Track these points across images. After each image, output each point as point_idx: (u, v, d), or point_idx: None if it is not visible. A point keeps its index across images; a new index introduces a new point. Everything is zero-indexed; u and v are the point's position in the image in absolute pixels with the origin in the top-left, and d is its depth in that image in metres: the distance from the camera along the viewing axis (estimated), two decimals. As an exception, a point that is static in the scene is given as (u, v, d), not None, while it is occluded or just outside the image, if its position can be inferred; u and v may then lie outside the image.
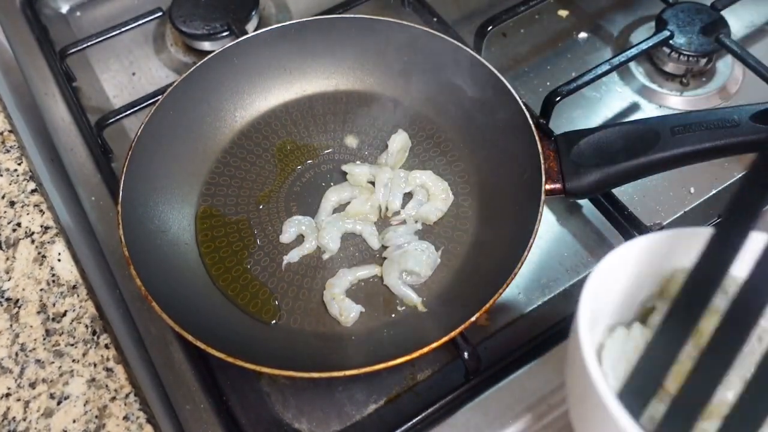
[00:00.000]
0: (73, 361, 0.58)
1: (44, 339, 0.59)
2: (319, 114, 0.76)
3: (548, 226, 0.70)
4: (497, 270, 0.58)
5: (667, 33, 0.77)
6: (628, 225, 0.65)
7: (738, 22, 0.85)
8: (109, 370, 0.58)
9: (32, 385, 0.57)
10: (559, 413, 0.57)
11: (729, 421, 0.34)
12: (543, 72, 0.83)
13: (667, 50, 0.78)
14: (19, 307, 0.61)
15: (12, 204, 0.68)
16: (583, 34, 0.86)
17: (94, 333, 0.60)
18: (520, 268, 0.56)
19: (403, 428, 0.56)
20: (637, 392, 0.37)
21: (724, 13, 0.79)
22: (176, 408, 0.59)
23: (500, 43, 0.86)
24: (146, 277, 0.57)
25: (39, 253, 0.64)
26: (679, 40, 0.78)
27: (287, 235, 0.67)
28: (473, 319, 0.54)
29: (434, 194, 0.68)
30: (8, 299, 0.62)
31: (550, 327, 0.60)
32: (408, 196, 0.69)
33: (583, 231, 0.69)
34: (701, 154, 0.60)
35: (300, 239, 0.67)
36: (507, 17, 0.79)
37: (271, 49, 0.75)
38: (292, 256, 0.66)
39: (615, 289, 0.44)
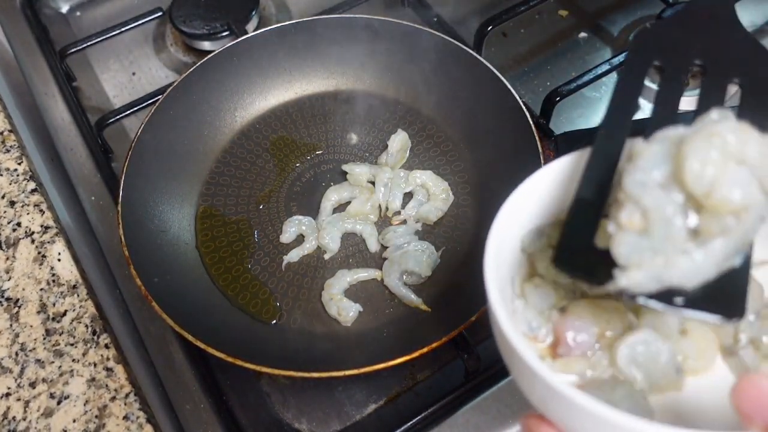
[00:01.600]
0: (73, 360, 0.58)
1: (44, 339, 0.59)
2: (319, 114, 0.76)
3: (548, 226, 0.69)
4: (497, 270, 0.58)
5: (667, 33, 0.77)
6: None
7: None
8: (109, 370, 0.58)
9: (32, 385, 0.57)
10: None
11: None
12: (543, 72, 0.83)
13: (667, 50, 0.78)
14: (19, 307, 0.61)
15: (12, 204, 0.68)
16: (583, 34, 0.86)
17: (94, 333, 0.60)
18: (520, 268, 0.56)
19: (403, 428, 0.56)
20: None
21: (724, 13, 0.79)
22: (176, 408, 0.59)
23: (500, 43, 0.86)
24: (146, 277, 0.58)
25: (39, 253, 0.64)
26: (679, 40, 0.78)
27: (287, 235, 0.67)
28: (473, 319, 0.54)
29: (434, 194, 0.68)
30: (8, 299, 0.62)
31: (550, 327, 0.60)
32: (408, 196, 0.69)
33: (583, 231, 0.69)
34: (701, 154, 0.60)
35: (300, 239, 0.67)
36: (507, 17, 0.79)
37: (271, 49, 0.75)
38: (292, 256, 0.66)
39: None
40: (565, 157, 0.43)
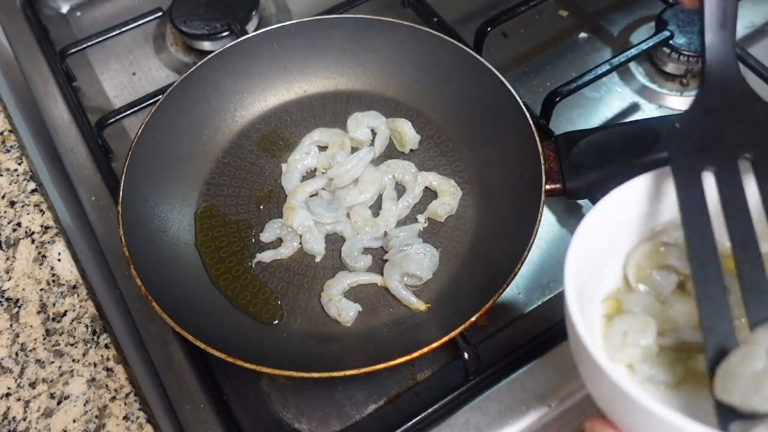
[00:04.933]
0: (73, 361, 0.58)
1: (44, 339, 0.59)
2: (319, 114, 0.76)
3: (548, 226, 0.70)
4: (497, 270, 0.58)
5: (667, 33, 0.77)
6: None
7: (738, 22, 0.84)
8: (109, 370, 0.58)
9: (32, 385, 0.57)
10: (559, 413, 0.57)
11: None
12: (543, 72, 0.83)
13: (667, 50, 0.78)
14: (19, 307, 0.61)
15: (12, 204, 0.68)
16: (583, 34, 0.86)
17: (94, 333, 0.60)
18: (520, 268, 0.56)
19: (403, 428, 0.56)
20: None
21: (724, 13, 0.79)
22: (176, 408, 0.59)
23: (500, 43, 0.86)
24: (146, 277, 0.58)
25: (39, 253, 0.64)
26: (679, 40, 0.78)
27: (267, 234, 0.67)
28: (473, 319, 0.54)
29: (443, 190, 0.68)
30: (8, 299, 0.62)
31: (550, 327, 0.60)
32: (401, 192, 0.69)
33: (583, 231, 0.69)
34: (701, 154, 0.60)
35: (279, 242, 0.67)
36: (507, 17, 0.79)
37: (271, 49, 0.75)
38: (265, 257, 0.66)
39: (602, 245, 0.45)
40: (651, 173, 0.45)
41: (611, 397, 0.37)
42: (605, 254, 0.45)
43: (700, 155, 0.43)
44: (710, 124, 0.44)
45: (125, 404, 0.56)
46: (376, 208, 0.69)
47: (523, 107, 0.65)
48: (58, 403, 0.56)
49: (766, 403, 0.34)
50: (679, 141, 0.44)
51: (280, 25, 0.74)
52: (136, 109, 0.76)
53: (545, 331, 0.60)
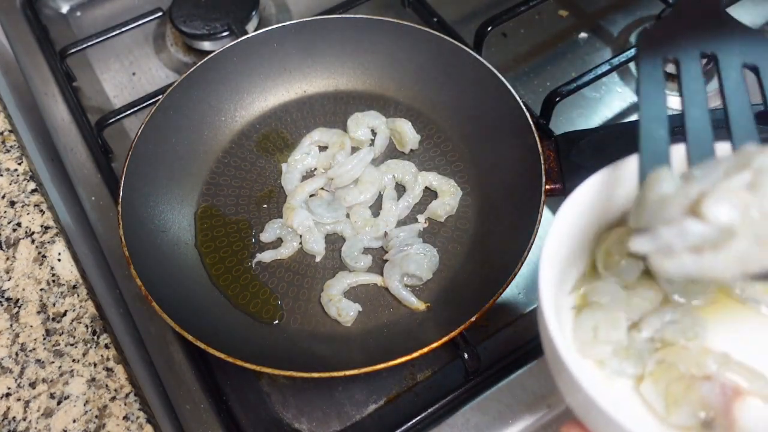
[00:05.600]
0: (73, 361, 0.58)
1: (44, 339, 0.59)
2: (319, 114, 0.76)
3: (548, 226, 0.69)
4: (497, 270, 0.58)
5: (667, 33, 0.77)
6: (628, 225, 0.65)
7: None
8: (109, 370, 0.58)
9: (32, 385, 0.57)
10: (559, 413, 0.57)
11: None
12: (543, 72, 0.83)
13: (667, 50, 0.78)
14: (19, 307, 0.61)
15: (12, 204, 0.68)
16: (583, 34, 0.86)
17: (94, 333, 0.60)
18: (520, 268, 0.56)
19: (403, 428, 0.56)
20: None
21: (724, 13, 0.79)
22: (176, 408, 0.59)
23: (500, 43, 0.86)
24: (146, 277, 0.58)
25: (39, 253, 0.64)
26: (679, 40, 0.78)
27: (267, 235, 0.67)
28: (473, 319, 0.54)
29: (443, 191, 0.68)
30: (8, 299, 0.62)
31: (550, 327, 0.60)
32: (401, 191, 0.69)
33: (583, 231, 0.69)
34: (701, 154, 0.60)
35: (279, 242, 0.67)
36: (507, 17, 0.79)
37: (271, 49, 0.75)
38: (265, 257, 0.66)
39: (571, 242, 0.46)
40: (606, 169, 0.46)
41: (588, 411, 0.36)
42: (573, 251, 0.46)
43: (663, 47, 0.47)
44: (678, 28, 0.49)
45: (125, 404, 0.56)
46: (376, 208, 0.69)
47: (523, 107, 0.65)
48: (58, 403, 0.56)
49: (667, 226, 0.33)
50: (645, 36, 0.48)
51: (280, 25, 0.74)
52: (136, 109, 0.76)
53: (545, 331, 0.60)
